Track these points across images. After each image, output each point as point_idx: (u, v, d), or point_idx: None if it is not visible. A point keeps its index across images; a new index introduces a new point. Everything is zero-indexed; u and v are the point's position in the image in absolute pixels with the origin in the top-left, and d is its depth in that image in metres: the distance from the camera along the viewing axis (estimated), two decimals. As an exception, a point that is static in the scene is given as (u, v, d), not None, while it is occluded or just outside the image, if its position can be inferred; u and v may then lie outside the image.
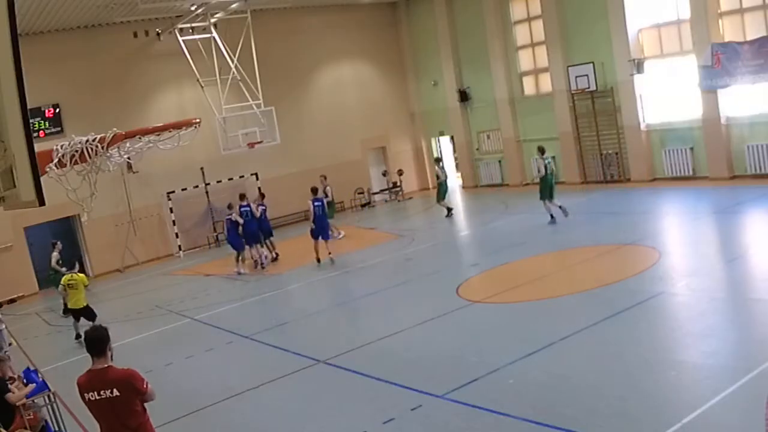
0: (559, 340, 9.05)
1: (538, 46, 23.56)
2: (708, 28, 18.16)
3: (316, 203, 17.48)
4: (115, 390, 5.29)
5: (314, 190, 18.23)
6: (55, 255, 17.24)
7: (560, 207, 17.09)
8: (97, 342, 5.42)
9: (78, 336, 13.49)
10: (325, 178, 20.85)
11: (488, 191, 25.10)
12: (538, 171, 17.60)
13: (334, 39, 26.50)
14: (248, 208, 18.17)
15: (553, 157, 19.41)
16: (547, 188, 17.25)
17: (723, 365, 7.57)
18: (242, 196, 18.68)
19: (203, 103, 21.97)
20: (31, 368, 9.35)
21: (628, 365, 7.95)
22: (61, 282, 13.71)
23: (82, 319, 13.64)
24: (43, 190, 4.17)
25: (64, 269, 16.05)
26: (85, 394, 5.39)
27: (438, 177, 21.28)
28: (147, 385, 5.46)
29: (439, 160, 23.25)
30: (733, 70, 17.61)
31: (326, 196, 19.47)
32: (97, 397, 5.32)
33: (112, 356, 5.47)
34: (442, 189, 21.05)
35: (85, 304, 13.49)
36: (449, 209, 20.96)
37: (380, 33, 27.91)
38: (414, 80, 28.38)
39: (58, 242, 17.86)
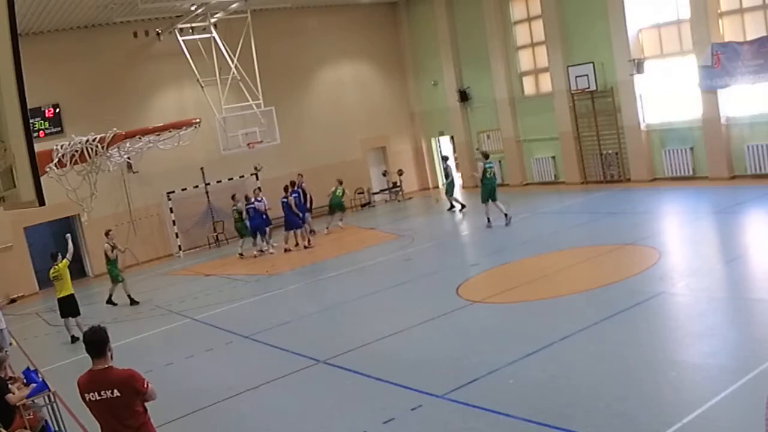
0: (559, 340, 9.04)
1: (538, 46, 23.56)
2: (708, 28, 18.15)
3: (293, 195, 20.11)
4: (115, 390, 5.29)
5: (287, 188, 20.29)
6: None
7: (488, 218, 18.02)
8: (96, 344, 5.40)
9: (74, 338, 13.49)
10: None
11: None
12: (479, 174, 18.37)
13: (334, 39, 26.50)
14: (286, 200, 20.08)
15: (499, 161, 20.61)
16: (487, 191, 18.01)
17: (723, 365, 7.56)
18: (286, 188, 20.36)
19: (203, 103, 21.96)
20: (31, 368, 9.35)
21: (628, 365, 7.95)
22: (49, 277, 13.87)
23: (75, 319, 13.69)
24: (43, 190, 4.17)
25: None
26: (86, 395, 5.38)
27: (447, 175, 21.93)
28: (148, 385, 5.44)
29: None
30: (733, 70, 17.61)
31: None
32: (98, 398, 5.31)
33: (112, 356, 5.46)
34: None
35: (68, 293, 13.55)
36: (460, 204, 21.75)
37: (380, 33, 27.91)
38: (414, 80, 28.38)
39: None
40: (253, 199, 20.15)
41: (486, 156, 18.70)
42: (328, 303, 13.98)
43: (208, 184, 23.68)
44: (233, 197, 21.25)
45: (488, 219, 18.04)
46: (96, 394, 5.31)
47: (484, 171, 18.03)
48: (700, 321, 9.18)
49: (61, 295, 13.65)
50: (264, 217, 19.96)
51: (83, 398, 5.43)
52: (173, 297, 16.70)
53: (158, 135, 11.70)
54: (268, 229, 20.21)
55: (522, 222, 18.19)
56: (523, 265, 13.88)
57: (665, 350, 8.40)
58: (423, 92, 28.12)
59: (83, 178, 10.87)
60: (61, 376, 10.10)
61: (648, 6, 19.98)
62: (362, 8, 27.37)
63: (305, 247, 19.81)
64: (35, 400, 8.30)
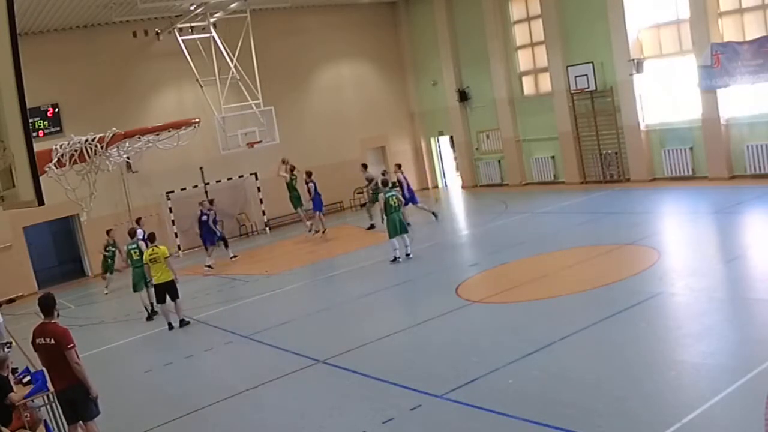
0: (559, 339, 9.05)
1: (537, 46, 23.55)
2: (707, 28, 18.15)
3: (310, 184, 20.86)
4: (51, 339, 7.33)
5: (309, 173, 21.16)
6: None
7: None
8: (47, 306, 7.52)
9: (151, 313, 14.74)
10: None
11: (488, 191, 25.11)
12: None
13: (334, 39, 26.49)
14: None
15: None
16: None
17: (723, 365, 7.56)
18: (309, 174, 21.16)
19: (202, 103, 21.94)
20: (31, 368, 9.33)
21: (628, 365, 7.96)
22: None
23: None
24: (42, 190, 4.16)
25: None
26: (36, 340, 7.43)
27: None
28: (72, 348, 7.26)
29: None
30: (733, 70, 17.61)
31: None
32: (42, 342, 7.38)
33: (57, 315, 7.65)
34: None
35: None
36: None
37: (380, 33, 27.89)
38: (414, 80, 28.38)
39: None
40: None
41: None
42: (328, 303, 13.97)
43: (208, 183, 23.65)
44: (108, 232, 18.66)
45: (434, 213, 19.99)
46: (42, 339, 7.40)
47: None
48: (699, 321, 9.18)
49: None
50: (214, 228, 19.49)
51: (33, 342, 7.47)
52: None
53: (157, 135, 11.66)
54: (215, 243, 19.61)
55: (522, 222, 18.18)
56: (522, 265, 13.87)
57: (665, 350, 8.41)
58: (422, 92, 28.10)
59: (82, 178, 10.84)
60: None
61: (647, 6, 19.99)
62: (362, 8, 27.36)
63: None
64: (34, 400, 8.28)
